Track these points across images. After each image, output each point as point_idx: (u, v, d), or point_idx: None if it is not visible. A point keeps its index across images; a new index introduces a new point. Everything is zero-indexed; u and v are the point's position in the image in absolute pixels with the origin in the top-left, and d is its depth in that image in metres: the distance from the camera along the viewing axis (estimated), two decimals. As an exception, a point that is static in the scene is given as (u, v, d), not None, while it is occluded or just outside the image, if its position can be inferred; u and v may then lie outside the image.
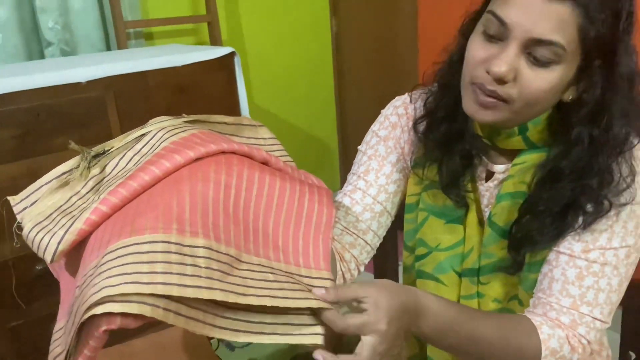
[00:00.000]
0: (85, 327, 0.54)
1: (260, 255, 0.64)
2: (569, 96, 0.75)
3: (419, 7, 2.30)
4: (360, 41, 2.91)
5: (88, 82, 1.63)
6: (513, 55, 0.70)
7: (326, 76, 3.01)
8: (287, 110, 2.86)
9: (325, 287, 0.65)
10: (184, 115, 0.77)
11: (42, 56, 2.06)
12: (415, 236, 0.89)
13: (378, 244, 0.93)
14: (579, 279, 0.74)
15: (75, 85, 1.61)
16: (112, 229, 0.60)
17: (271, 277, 0.62)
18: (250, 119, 0.82)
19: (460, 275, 0.85)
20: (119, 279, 0.53)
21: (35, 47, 2.06)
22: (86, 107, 1.64)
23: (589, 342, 0.74)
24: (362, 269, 0.93)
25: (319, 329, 0.62)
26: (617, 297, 0.76)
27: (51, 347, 0.62)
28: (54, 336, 0.63)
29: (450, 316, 0.70)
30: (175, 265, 0.55)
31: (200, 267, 0.57)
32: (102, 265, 0.55)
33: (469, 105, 0.76)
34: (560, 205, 0.74)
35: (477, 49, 0.73)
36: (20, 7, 1.99)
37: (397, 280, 1.18)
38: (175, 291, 0.54)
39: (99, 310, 0.51)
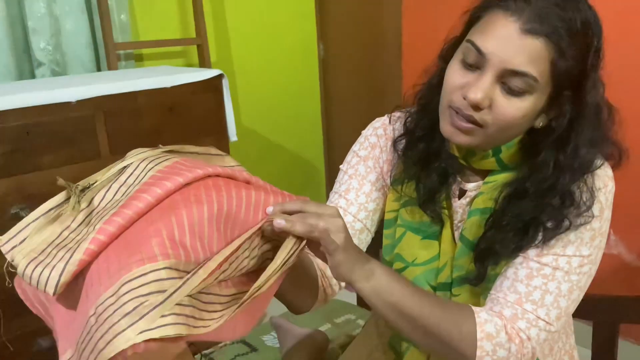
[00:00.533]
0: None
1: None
2: (539, 123, 0.79)
3: (402, 33, 2.37)
4: (347, 65, 2.97)
5: (78, 101, 1.65)
6: (489, 83, 0.74)
7: (313, 99, 3.06)
8: (275, 131, 2.90)
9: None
10: (160, 146, 0.79)
11: (32, 76, 2.08)
12: (393, 251, 0.92)
13: None
14: (528, 278, 0.77)
15: (65, 105, 1.64)
16: (118, 258, 0.62)
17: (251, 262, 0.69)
18: (217, 149, 0.85)
19: (434, 289, 0.88)
20: (154, 309, 0.57)
21: (26, 67, 2.09)
22: (75, 126, 1.66)
23: (528, 337, 0.75)
24: (342, 284, 0.96)
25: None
26: (566, 303, 0.77)
27: None
28: None
29: (397, 275, 0.77)
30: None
31: (200, 292, 0.63)
32: (124, 294, 0.58)
33: (445, 127, 0.80)
34: (522, 221, 0.78)
35: (455, 75, 0.78)
36: (13, 28, 2.02)
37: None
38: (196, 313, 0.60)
39: (139, 338, 0.55)
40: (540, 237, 0.77)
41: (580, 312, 1.05)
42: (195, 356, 1.36)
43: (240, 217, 0.69)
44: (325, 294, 0.93)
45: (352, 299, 1.59)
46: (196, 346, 1.17)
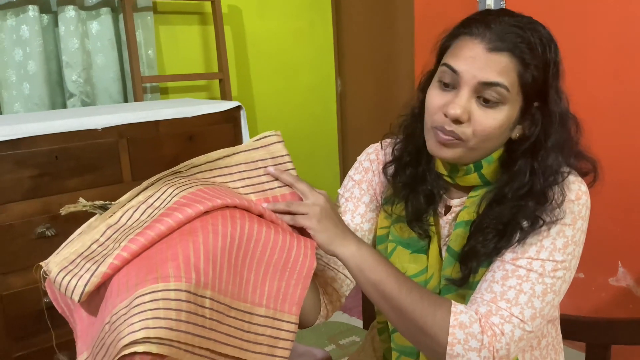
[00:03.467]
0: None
1: (247, 301, 0.76)
2: (516, 134, 0.86)
3: (415, 69, 2.45)
4: (363, 99, 3.06)
5: (104, 129, 1.77)
6: (465, 99, 0.82)
7: (331, 131, 3.15)
8: (294, 162, 2.97)
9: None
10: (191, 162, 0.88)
11: (64, 106, 2.22)
12: None
13: None
14: (503, 279, 0.82)
15: (92, 132, 1.75)
16: (137, 274, 0.69)
17: (246, 326, 0.74)
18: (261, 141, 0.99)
19: None
20: (155, 322, 0.64)
21: (58, 98, 2.23)
22: (100, 151, 1.77)
23: (502, 332, 0.78)
24: (343, 300, 1.01)
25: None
26: (540, 304, 0.80)
27: None
28: None
29: (384, 258, 0.84)
30: (193, 315, 0.67)
31: (206, 317, 0.69)
32: (135, 306, 0.65)
33: (432, 145, 0.87)
34: (502, 223, 0.83)
35: (435, 97, 0.86)
36: (49, 61, 2.17)
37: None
38: (189, 339, 0.67)
39: (140, 348, 0.62)
40: (517, 237, 0.82)
41: (573, 334, 1.08)
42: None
43: (249, 250, 0.77)
44: (326, 309, 0.98)
45: (358, 322, 1.63)
46: None
